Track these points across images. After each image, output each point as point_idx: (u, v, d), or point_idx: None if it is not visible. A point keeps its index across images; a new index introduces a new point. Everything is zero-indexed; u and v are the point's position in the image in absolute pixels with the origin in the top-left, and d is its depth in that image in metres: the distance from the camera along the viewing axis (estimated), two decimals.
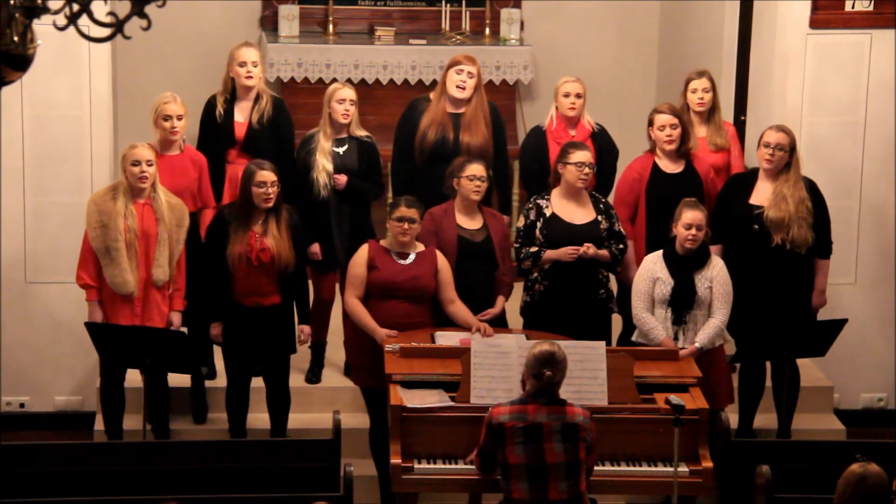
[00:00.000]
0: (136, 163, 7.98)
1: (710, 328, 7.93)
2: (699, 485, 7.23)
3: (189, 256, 8.19)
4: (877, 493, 5.66)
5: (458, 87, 8.65)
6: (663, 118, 8.51)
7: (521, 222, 8.25)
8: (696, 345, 7.89)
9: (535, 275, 8.18)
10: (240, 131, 8.68)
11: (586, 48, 11.45)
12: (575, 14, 11.52)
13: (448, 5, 11.17)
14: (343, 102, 8.54)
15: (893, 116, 9.28)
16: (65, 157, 8.94)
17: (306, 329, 8.32)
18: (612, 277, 8.40)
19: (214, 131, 8.70)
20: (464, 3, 11.18)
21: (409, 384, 7.42)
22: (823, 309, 8.61)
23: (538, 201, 8.22)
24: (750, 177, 8.53)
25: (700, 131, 8.84)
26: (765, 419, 8.66)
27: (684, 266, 7.95)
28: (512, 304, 8.37)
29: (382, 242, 8.09)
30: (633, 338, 8.05)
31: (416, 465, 7.16)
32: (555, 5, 11.48)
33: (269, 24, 11.14)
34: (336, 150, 8.59)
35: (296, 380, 8.61)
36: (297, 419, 8.43)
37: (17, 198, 8.94)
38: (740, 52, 9.86)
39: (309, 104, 10.24)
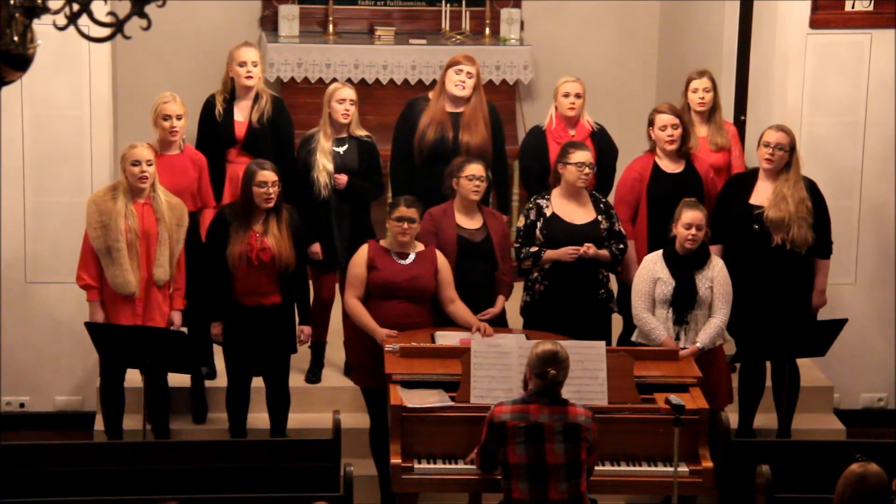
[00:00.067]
0: (136, 163, 7.98)
1: (711, 328, 7.93)
2: (699, 485, 7.23)
3: (189, 256, 8.19)
4: (877, 493, 5.66)
5: (457, 86, 8.65)
6: (664, 118, 8.51)
7: (521, 222, 8.25)
8: (698, 345, 7.89)
9: (535, 275, 8.18)
10: (240, 130, 8.68)
11: (586, 48, 11.45)
12: (575, 14, 11.52)
13: (448, 5, 11.17)
14: (343, 102, 8.54)
15: (893, 116, 9.28)
16: (65, 157, 8.94)
17: (307, 329, 8.32)
18: (613, 277, 8.40)
19: (214, 130, 8.70)
20: (464, 3, 11.17)
21: (409, 384, 7.42)
22: (823, 309, 8.61)
23: (538, 201, 8.22)
24: (750, 177, 8.53)
25: (701, 131, 8.85)
26: (765, 419, 8.66)
27: (685, 266, 7.95)
28: (512, 304, 8.37)
29: (382, 242, 8.09)
30: (634, 338, 8.05)
31: (416, 465, 7.16)
32: (555, 5, 11.48)
33: (269, 24, 11.13)
34: (336, 149, 8.59)
35: (296, 380, 8.61)
36: (297, 419, 8.43)
37: (17, 198, 8.94)
38: (740, 52, 9.86)
39: (309, 104, 10.24)
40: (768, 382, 8.63)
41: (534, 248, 8.13)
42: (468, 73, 8.66)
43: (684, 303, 7.92)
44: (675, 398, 6.94)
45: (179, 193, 8.24)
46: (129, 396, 8.27)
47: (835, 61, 9.24)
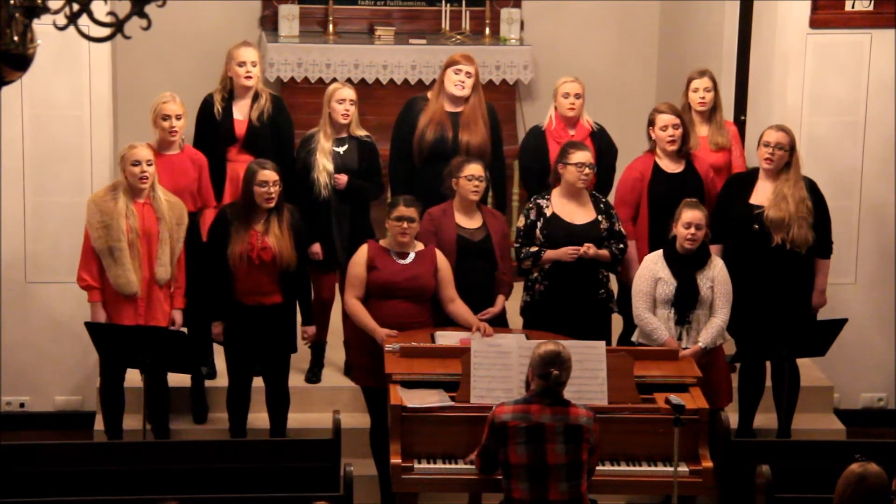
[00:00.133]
0: (137, 163, 7.98)
1: (712, 328, 7.93)
2: (699, 485, 7.23)
3: (189, 256, 8.19)
4: (876, 492, 5.66)
5: (456, 85, 8.65)
6: (665, 118, 8.51)
7: (521, 222, 8.25)
8: (700, 345, 7.89)
9: (535, 275, 8.18)
10: (240, 129, 8.69)
11: (586, 48, 11.45)
12: (575, 14, 11.52)
13: (448, 5, 11.17)
14: (343, 102, 8.54)
15: (893, 116, 9.28)
16: (65, 157, 8.94)
17: (310, 329, 8.33)
18: (613, 277, 8.40)
19: (213, 129, 8.70)
20: (464, 2, 11.17)
21: (409, 384, 7.42)
22: (823, 309, 8.61)
23: (538, 201, 8.22)
24: (750, 176, 8.53)
25: (701, 130, 8.85)
26: (765, 419, 8.66)
27: (686, 266, 7.95)
28: (512, 304, 8.36)
29: (382, 242, 8.08)
30: (634, 338, 8.05)
31: (416, 465, 7.16)
32: (555, 5, 11.48)
33: (269, 23, 11.13)
34: (336, 149, 8.59)
35: (296, 380, 8.61)
36: (297, 419, 8.43)
37: (17, 198, 8.95)
38: (740, 52, 9.86)
39: (309, 104, 10.24)
40: (768, 382, 8.63)
41: (534, 248, 8.14)
42: (467, 72, 8.66)
43: (686, 303, 7.92)
44: (675, 398, 6.94)
45: (179, 193, 8.24)
46: (129, 396, 8.27)
47: (835, 61, 9.25)
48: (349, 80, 10.29)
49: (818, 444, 7.73)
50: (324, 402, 8.63)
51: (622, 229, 8.27)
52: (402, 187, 8.61)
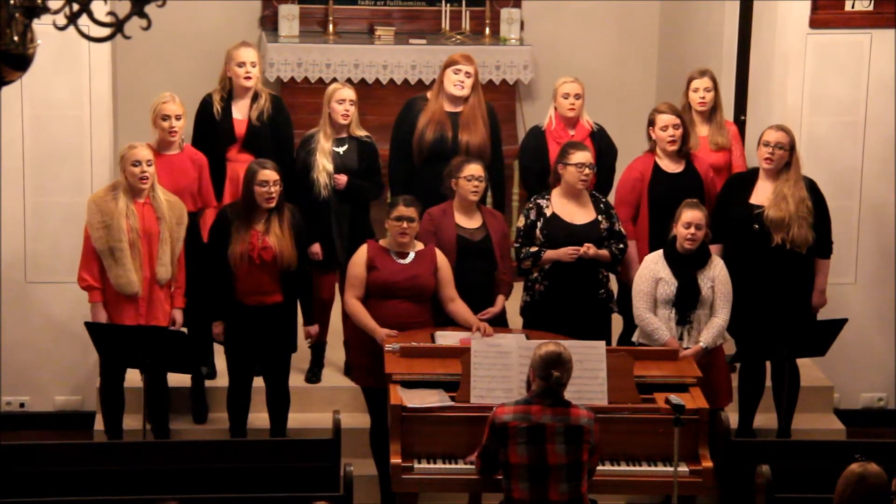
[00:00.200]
0: (137, 163, 7.99)
1: (713, 328, 7.93)
2: (699, 485, 7.23)
3: (189, 256, 8.19)
4: (876, 492, 5.66)
5: (455, 85, 8.65)
6: (665, 118, 8.51)
7: (521, 222, 8.25)
8: (701, 345, 7.89)
9: (535, 275, 8.18)
10: (240, 128, 8.68)
11: (586, 48, 11.45)
12: (575, 14, 11.52)
13: (448, 5, 11.17)
14: (343, 103, 8.54)
15: (893, 116, 9.28)
16: (65, 157, 8.94)
17: (313, 329, 8.34)
18: (613, 277, 8.40)
19: (212, 129, 8.70)
20: (464, 2, 11.17)
21: (409, 384, 7.42)
22: (823, 309, 8.61)
23: (538, 201, 8.22)
24: (750, 176, 8.53)
25: (702, 130, 8.85)
26: (765, 419, 8.66)
27: (686, 266, 7.94)
28: (512, 304, 8.36)
29: (381, 242, 8.08)
30: (635, 338, 8.05)
31: (416, 465, 7.16)
32: (555, 5, 11.48)
33: (269, 23, 11.13)
34: (336, 150, 8.59)
35: (296, 380, 8.61)
36: (297, 419, 8.43)
37: (17, 198, 8.94)
38: (740, 52, 9.86)
39: (309, 104, 10.24)
40: (768, 382, 8.63)
41: (534, 248, 8.13)
42: (466, 72, 8.66)
43: (687, 303, 7.91)
44: (675, 398, 6.93)
45: (179, 193, 8.24)
46: (129, 396, 8.27)
47: (835, 61, 9.24)
48: (349, 80, 10.29)
49: (818, 444, 7.73)
50: (324, 402, 8.62)
51: (622, 229, 8.27)
52: (401, 187, 8.61)
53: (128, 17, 4.27)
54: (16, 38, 4.25)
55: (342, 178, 8.55)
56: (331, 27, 11.06)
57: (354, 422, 8.32)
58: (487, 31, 11.18)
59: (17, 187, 8.93)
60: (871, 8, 9.16)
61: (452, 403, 7.26)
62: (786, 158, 8.36)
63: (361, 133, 8.66)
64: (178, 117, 8.35)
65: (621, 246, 8.22)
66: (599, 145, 8.71)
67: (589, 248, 8.07)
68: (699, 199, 8.13)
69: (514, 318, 8.42)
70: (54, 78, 8.79)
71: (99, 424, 8.44)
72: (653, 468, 7.21)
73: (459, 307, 7.98)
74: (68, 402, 9.21)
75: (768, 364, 8.60)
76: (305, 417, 8.55)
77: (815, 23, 9.17)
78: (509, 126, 10.52)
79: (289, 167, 8.49)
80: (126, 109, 9.96)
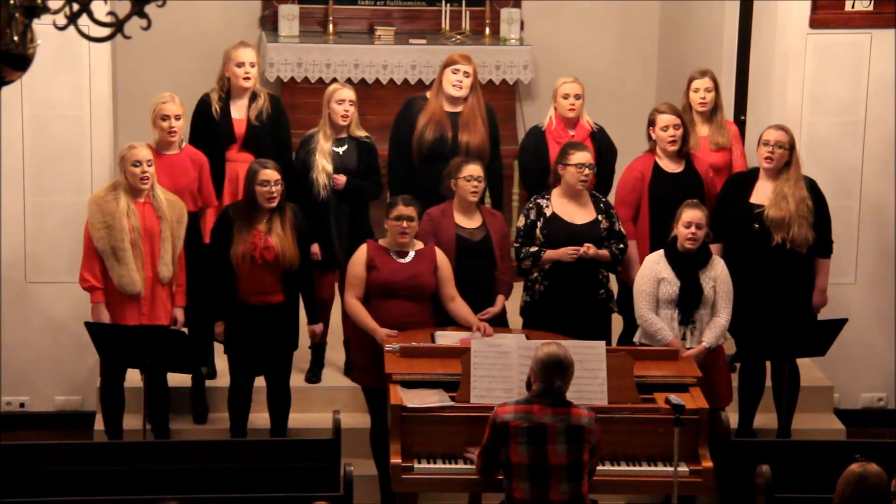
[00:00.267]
0: (137, 163, 7.99)
1: (716, 327, 7.93)
2: (699, 485, 7.23)
3: (189, 256, 8.20)
4: (876, 492, 5.66)
5: (454, 85, 8.65)
6: (666, 118, 8.51)
7: (521, 222, 8.25)
8: (704, 344, 7.89)
9: (535, 275, 8.18)
10: (239, 128, 8.68)
11: (586, 48, 11.46)
12: (575, 14, 11.53)
13: (448, 5, 11.17)
14: (342, 103, 8.54)
15: (893, 116, 9.28)
16: (65, 157, 8.94)
17: (317, 328, 8.34)
18: (613, 277, 8.40)
19: (211, 129, 8.69)
20: (464, 2, 11.17)
21: (409, 384, 7.42)
22: (824, 309, 8.61)
23: (538, 201, 8.22)
24: (750, 176, 8.53)
25: (702, 130, 8.85)
26: (765, 419, 8.66)
27: (688, 265, 7.94)
28: (512, 304, 8.36)
29: (381, 242, 8.08)
30: (636, 339, 8.05)
31: (416, 465, 7.15)
32: (555, 5, 11.48)
33: (269, 23, 11.13)
34: (336, 150, 8.59)
35: (296, 380, 8.60)
36: (297, 419, 8.43)
37: (17, 198, 8.94)
38: (740, 52, 9.86)
39: (309, 104, 10.24)
40: (768, 382, 8.63)
41: (534, 248, 8.13)
42: (465, 72, 8.66)
43: (690, 302, 7.91)
44: (675, 398, 6.93)
45: (179, 193, 8.24)
46: (129, 396, 8.27)
47: (835, 61, 9.24)
48: (349, 80, 10.30)
49: (818, 444, 7.73)
50: (324, 402, 8.62)
51: (622, 229, 8.27)
52: (400, 187, 8.60)
53: (128, 17, 4.27)
54: (16, 38, 4.25)
55: (341, 179, 8.55)
56: (331, 27, 11.06)
57: (354, 422, 8.33)
58: (487, 31, 11.19)
59: (17, 187, 8.93)
60: (871, 8, 9.16)
61: (452, 403, 7.26)
62: (786, 158, 8.36)
63: (361, 133, 8.66)
64: (177, 117, 8.35)
65: (621, 246, 8.22)
66: (599, 145, 8.71)
67: (589, 248, 8.07)
68: (699, 199, 8.13)
69: (514, 318, 8.42)
70: (54, 78, 8.79)
71: (99, 424, 8.44)
72: (653, 468, 7.21)
73: (460, 306, 7.98)
74: (68, 402, 9.21)
75: (768, 364, 8.60)
76: (305, 417, 8.55)
77: (815, 23, 9.17)
78: (509, 126, 10.52)
79: (287, 167, 8.48)
80: (126, 109, 9.96)
